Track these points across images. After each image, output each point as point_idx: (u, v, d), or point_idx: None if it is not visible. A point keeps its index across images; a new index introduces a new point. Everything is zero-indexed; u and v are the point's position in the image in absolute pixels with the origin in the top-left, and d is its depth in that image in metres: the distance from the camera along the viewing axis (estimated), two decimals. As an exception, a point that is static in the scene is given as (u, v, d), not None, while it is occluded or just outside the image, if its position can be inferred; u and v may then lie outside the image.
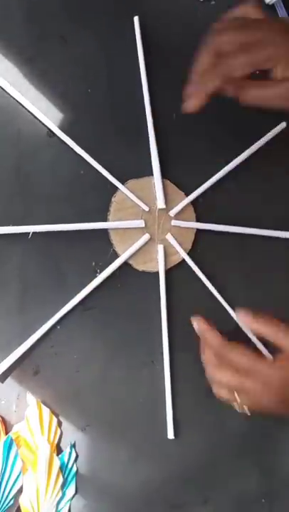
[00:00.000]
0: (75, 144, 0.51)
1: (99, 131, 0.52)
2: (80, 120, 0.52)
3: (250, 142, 0.54)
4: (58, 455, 0.47)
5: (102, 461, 0.49)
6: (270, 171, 0.55)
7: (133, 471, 0.49)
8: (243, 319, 0.44)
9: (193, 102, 0.44)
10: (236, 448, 0.51)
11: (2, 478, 0.45)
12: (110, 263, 0.50)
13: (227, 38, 0.43)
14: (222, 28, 0.44)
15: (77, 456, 0.48)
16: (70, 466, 0.48)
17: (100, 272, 0.50)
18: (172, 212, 0.52)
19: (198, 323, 0.46)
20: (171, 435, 0.49)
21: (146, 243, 0.51)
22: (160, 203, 0.52)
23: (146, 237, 0.51)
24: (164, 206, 0.52)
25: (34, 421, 0.47)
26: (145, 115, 0.52)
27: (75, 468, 0.48)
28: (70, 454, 0.48)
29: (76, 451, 0.48)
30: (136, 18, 0.54)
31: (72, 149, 0.51)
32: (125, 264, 0.51)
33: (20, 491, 0.46)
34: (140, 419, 0.50)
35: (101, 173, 0.51)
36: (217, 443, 0.50)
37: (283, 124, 0.55)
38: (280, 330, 0.42)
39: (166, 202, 0.52)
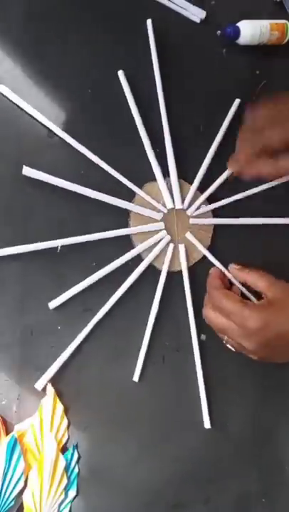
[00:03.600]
0: (85, 149, 0.50)
1: (103, 132, 0.52)
2: (82, 120, 0.51)
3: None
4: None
5: (102, 461, 0.49)
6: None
7: (133, 471, 0.49)
8: (232, 271, 0.51)
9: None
10: (236, 448, 0.51)
11: (4, 479, 0.45)
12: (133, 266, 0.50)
13: (261, 112, 0.48)
14: (256, 106, 0.49)
15: (79, 457, 0.48)
16: (72, 466, 0.47)
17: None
18: (190, 211, 0.53)
19: (212, 271, 0.52)
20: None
21: (167, 244, 0.52)
22: (178, 204, 0.52)
23: (167, 238, 0.52)
24: (181, 206, 0.52)
25: (47, 411, 0.47)
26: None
27: (77, 469, 0.47)
28: (73, 454, 0.47)
29: (78, 452, 0.48)
30: (149, 21, 0.53)
31: (73, 150, 0.50)
32: (148, 266, 0.51)
33: (21, 491, 0.45)
34: (140, 419, 0.50)
35: (116, 179, 0.51)
36: (217, 443, 0.51)
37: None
38: (261, 277, 0.48)
39: (182, 202, 0.53)
